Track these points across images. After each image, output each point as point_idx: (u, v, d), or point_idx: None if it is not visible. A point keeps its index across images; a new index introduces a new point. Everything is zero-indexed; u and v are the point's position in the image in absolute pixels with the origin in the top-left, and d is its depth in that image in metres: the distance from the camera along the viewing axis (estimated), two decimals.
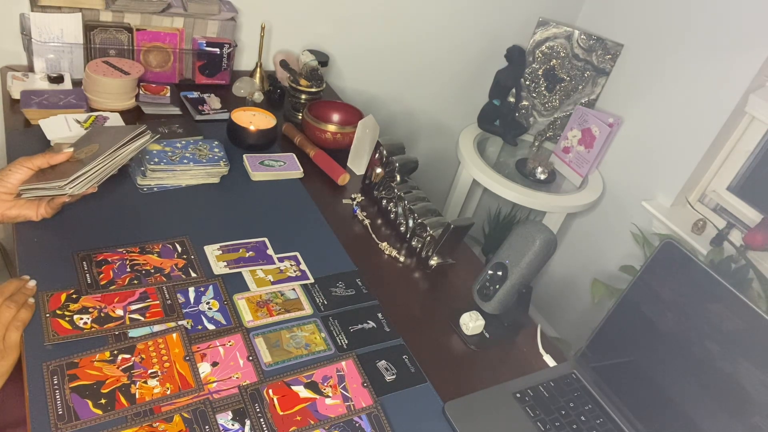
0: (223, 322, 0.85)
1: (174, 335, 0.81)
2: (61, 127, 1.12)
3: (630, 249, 1.88)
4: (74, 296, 0.82)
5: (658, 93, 1.78)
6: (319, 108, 1.36)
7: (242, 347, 0.82)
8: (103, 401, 0.71)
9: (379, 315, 0.94)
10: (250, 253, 0.98)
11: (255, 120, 1.26)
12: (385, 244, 1.10)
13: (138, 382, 0.74)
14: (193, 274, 0.91)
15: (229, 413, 0.73)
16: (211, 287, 0.90)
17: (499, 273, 0.96)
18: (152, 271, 0.90)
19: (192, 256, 0.94)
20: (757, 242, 1.51)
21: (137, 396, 0.72)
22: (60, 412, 0.68)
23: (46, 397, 0.69)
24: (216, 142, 1.18)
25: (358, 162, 1.30)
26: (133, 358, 0.76)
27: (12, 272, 1.51)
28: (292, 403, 0.77)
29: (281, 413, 0.75)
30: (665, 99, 1.76)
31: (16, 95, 1.20)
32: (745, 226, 1.64)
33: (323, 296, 0.94)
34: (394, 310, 0.96)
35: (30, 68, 1.28)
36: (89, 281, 0.85)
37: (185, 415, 0.72)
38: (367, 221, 1.15)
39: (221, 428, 0.72)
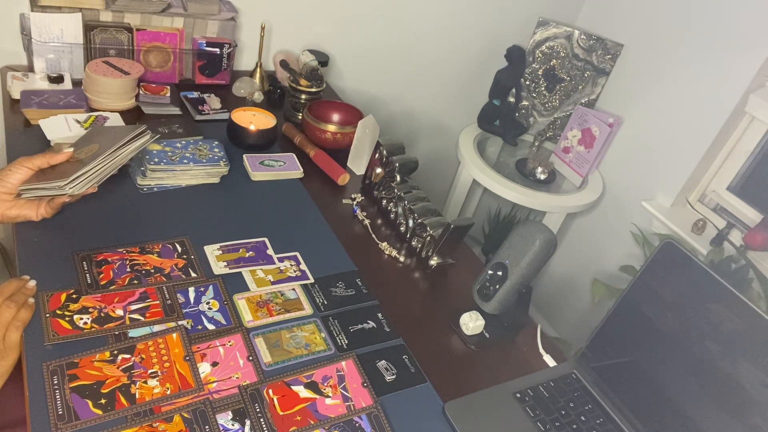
0: (223, 322, 0.85)
1: (174, 335, 0.81)
2: (61, 127, 1.12)
3: (630, 249, 1.88)
4: (74, 296, 0.82)
5: (658, 93, 1.78)
6: (319, 108, 1.36)
7: (242, 347, 0.82)
8: (103, 401, 0.71)
9: (379, 315, 0.94)
10: (250, 253, 0.98)
11: (255, 120, 1.26)
12: (385, 244, 1.10)
13: (138, 382, 0.74)
14: (193, 274, 0.91)
15: (229, 413, 0.73)
16: (211, 287, 0.90)
17: (499, 273, 0.96)
18: (152, 271, 0.90)
19: (192, 256, 0.94)
20: (757, 242, 1.51)
21: (137, 396, 0.72)
22: (60, 412, 0.68)
23: (46, 397, 0.69)
24: (216, 142, 1.18)
25: (358, 162, 1.30)
26: (133, 358, 0.76)
27: (12, 272, 1.51)
28: (292, 403, 0.77)
29: (281, 413, 0.75)
30: (665, 99, 1.76)
31: (16, 95, 1.20)
32: (745, 226, 1.64)
33: (323, 296, 0.94)
34: (394, 310, 0.96)
35: (30, 68, 1.29)
36: (89, 281, 0.85)
37: (185, 415, 0.72)
38: (367, 221, 1.15)
39: (221, 428, 0.72)
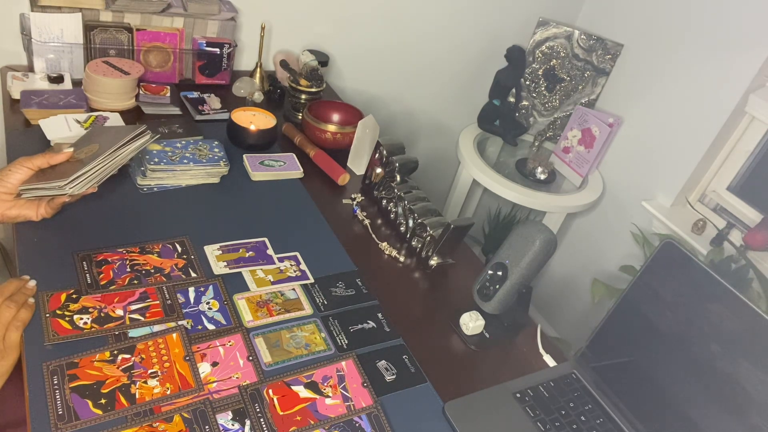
0: (223, 322, 0.85)
1: (174, 335, 0.81)
2: (61, 127, 1.12)
3: (630, 249, 1.88)
4: (74, 296, 0.82)
5: (658, 93, 1.78)
6: (319, 108, 1.36)
7: (242, 347, 0.82)
8: (103, 401, 0.71)
9: (379, 315, 0.94)
10: (250, 253, 0.98)
11: (255, 120, 1.26)
12: (385, 244, 1.10)
13: (138, 382, 0.74)
14: (193, 274, 0.91)
15: (229, 413, 0.73)
16: (211, 287, 0.90)
17: (499, 273, 0.96)
18: (152, 271, 0.90)
19: (192, 256, 0.94)
20: (757, 242, 1.51)
21: (137, 396, 0.72)
22: (60, 412, 0.68)
23: (46, 397, 0.69)
24: (216, 142, 1.18)
25: (358, 162, 1.30)
26: (133, 358, 0.76)
27: (12, 272, 1.51)
28: (292, 403, 0.77)
29: (281, 413, 0.75)
30: (665, 99, 1.76)
31: (16, 95, 1.20)
32: (745, 226, 1.64)
33: (323, 296, 0.94)
34: (394, 310, 0.96)
35: (30, 68, 1.29)
36: (89, 281, 0.85)
37: (185, 415, 0.72)
38: (367, 221, 1.15)
39: (221, 428, 0.72)
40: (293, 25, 1.61)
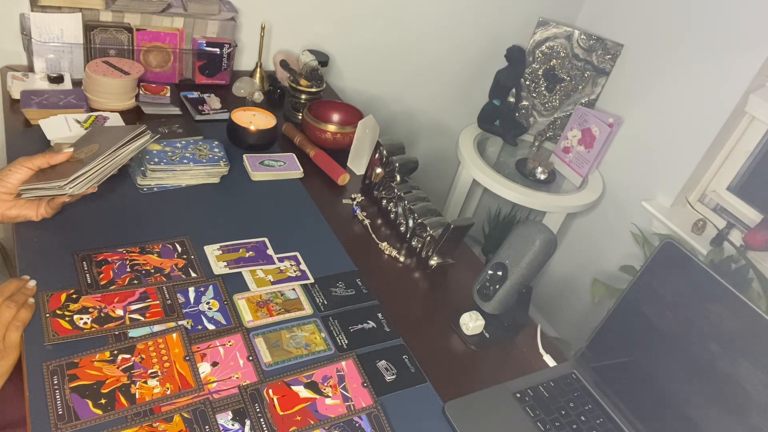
0: (223, 322, 0.85)
1: (174, 335, 0.81)
2: (61, 127, 1.12)
3: (630, 249, 1.88)
4: (74, 296, 0.82)
5: (658, 93, 1.78)
6: (319, 108, 1.36)
7: (242, 347, 0.82)
8: (103, 401, 0.71)
9: (379, 315, 0.94)
10: (250, 253, 0.98)
11: (255, 120, 1.26)
12: (385, 244, 1.10)
13: (138, 382, 0.74)
14: (193, 274, 0.91)
15: (229, 413, 0.73)
16: (211, 287, 0.90)
17: (499, 273, 0.96)
18: (152, 271, 0.90)
19: (192, 256, 0.94)
20: (757, 242, 1.51)
21: (137, 396, 0.72)
22: (60, 412, 0.68)
23: (46, 397, 0.69)
24: (216, 142, 1.18)
25: (358, 162, 1.30)
26: (133, 358, 0.76)
27: (12, 272, 1.51)
28: (292, 403, 0.77)
29: (281, 413, 0.75)
30: (665, 99, 1.76)
31: (16, 95, 1.20)
32: (745, 226, 1.64)
33: (323, 296, 0.94)
34: (394, 310, 0.96)
35: (30, 68, 1.29)
36: (89, 281, 0.85)
37: (185, 415, 0.72)
38: (367, 221, 1.15)
39: (221, 428, 0.72)
40: (293, 25, 1.61)
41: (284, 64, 1.43)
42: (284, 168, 1.21)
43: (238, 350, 0.81)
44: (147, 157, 1.08)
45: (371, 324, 0.92)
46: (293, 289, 0.94)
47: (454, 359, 0.92)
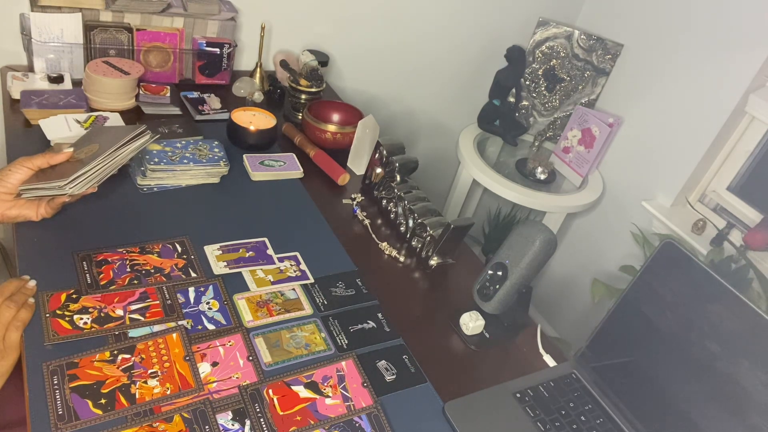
0: (223, 322, 0.85)
1: (174, 335, 0.81)
2: (61, 127, 1.12)
3: (630, 249, 1.88)
4: (74, 296, 0.82)
5: (658, 93, 1.78)
6: (319, 108, 1.36)
7: (242, 347, 0.82)
8: (103, 401, 0.71)
9: (379, 315, 0.94)
10: (250, 253, 0.98)
11: (255, 120, 1.26)
12: (385, 244, 1.10)
13: (138, 382, 0.74)
14: (193, 274, 0.91)
15: (229, 413, 0.73)
16: (211, 287, 0.90)
17: (499, 273, 0.96)
18: (152, 271, 0.90)
19: (192, 256, 0.94)
20: (757, 242, 1.51)
21: (137, 396, 0.72)
22: (60, 412, 0.68)
23: (46, 397, 0.69)
24: (216, 142, 1.18)
25: (358, 162, 1.30)
26: (133, 358, 0.76)
27: (12, 272, 1.51)
28: (292, 403, 0.77)
29: (281, 413, 0.75)
30: (665, 99, 1.76)
31: (16, 95, 1.20)
32: (745, 226, 1.64)
33: (323, 296, 0.94)
34: (394, 310, 0.96)
35: (30, 68, 1.28)
36: (89, 281, 0.85)
37: (185, 415, 0.72)
38: (367, 221, 1.15)
39: (221, 428, 0.72)
40: (293, 25, 1.61)
41: (284, 64, 1.43)
42: (284, 168, 1.21)
43: (238, 350, 0.81)
44: (147, 157, 1.08)
45: (371, 324, 0.92)
46: (293, 289, 0.94)
47: (454, 359, 0.92)
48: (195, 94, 1.38)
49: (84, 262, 0.87)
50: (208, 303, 0.87)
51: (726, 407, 0.77)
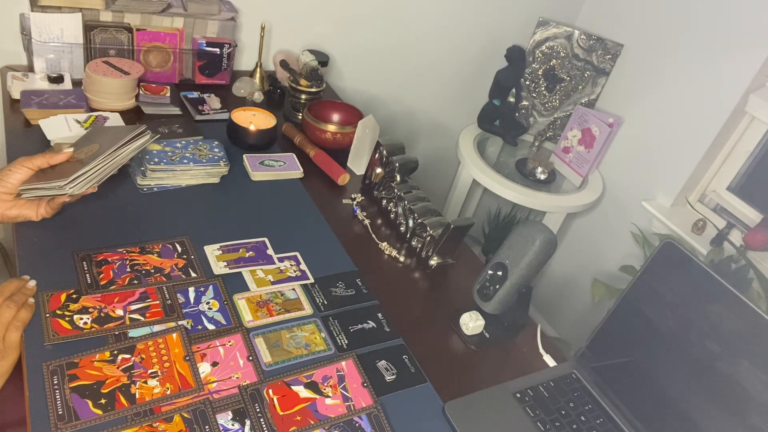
0: (223, 322, 0.85)
1: (174, 335, 0.81)
2: (61, 127, 1.12)
3: (630, 249, 1.88)
4: (74, 296, 0.82)
5: (658, 93, 1.78)
6: (319, 108, 1.36)
7: (242, 347, 0.82)
8: (103, 401, 0.71)
9: (379, 315, 0.94)
10: (250, 253, 0.98)
11: (255, 120, 1.26)
12: (385, 244, 1.10)
13: (138, 382, 0.74)
14: (193, 274, 0.91)
15: (229, 413, 0.73)
16: (211, 287, 0.90)
17: (499, 273, 0.96)
18: (152, 271, 0.90)
19: (192, 256, 0.94)
20: (757, 242, 1.51)
21: (137, 396, 0.72)
22: (60, 412, 0.68)
23: (46, 397, 0.69)
24: (216, 142, 1.18)
25: (358, 162, 1.30)
26: (133, 358, 0.76)
27: (12, 272, 1.51)
28: (292, 403, 0.77)
29: (281, 413, 0.75)
30: (665, 99, 1.76)
31: (16, 95, 1.20)
32: (745, 226, 1.64)
33: (323, 296, 0.94)
34: (394, 310, 0.96)
35: (30, 68, 1.28)
36: (89, 281, 0.85)
37: (185, 415, 0.72)
38: (367, 221, 1.15)
39: (221, 428, 0.72)
40: (293, 25, 1.61)
41: (284, 64, 1.43)
42: (284, 168, 1.21)
43: (238, 350, 0.81)
44: (147, 157, 1.08)
45: (371, 324, 0.92)
46: (293, 289, 0.94)
47: (454, 359, 0.92)
48: (195, 94, 1.38)
49: (84, 262, 0.88)
50: (208, 303, 0.87)
51: (726, 407, 0.77)
